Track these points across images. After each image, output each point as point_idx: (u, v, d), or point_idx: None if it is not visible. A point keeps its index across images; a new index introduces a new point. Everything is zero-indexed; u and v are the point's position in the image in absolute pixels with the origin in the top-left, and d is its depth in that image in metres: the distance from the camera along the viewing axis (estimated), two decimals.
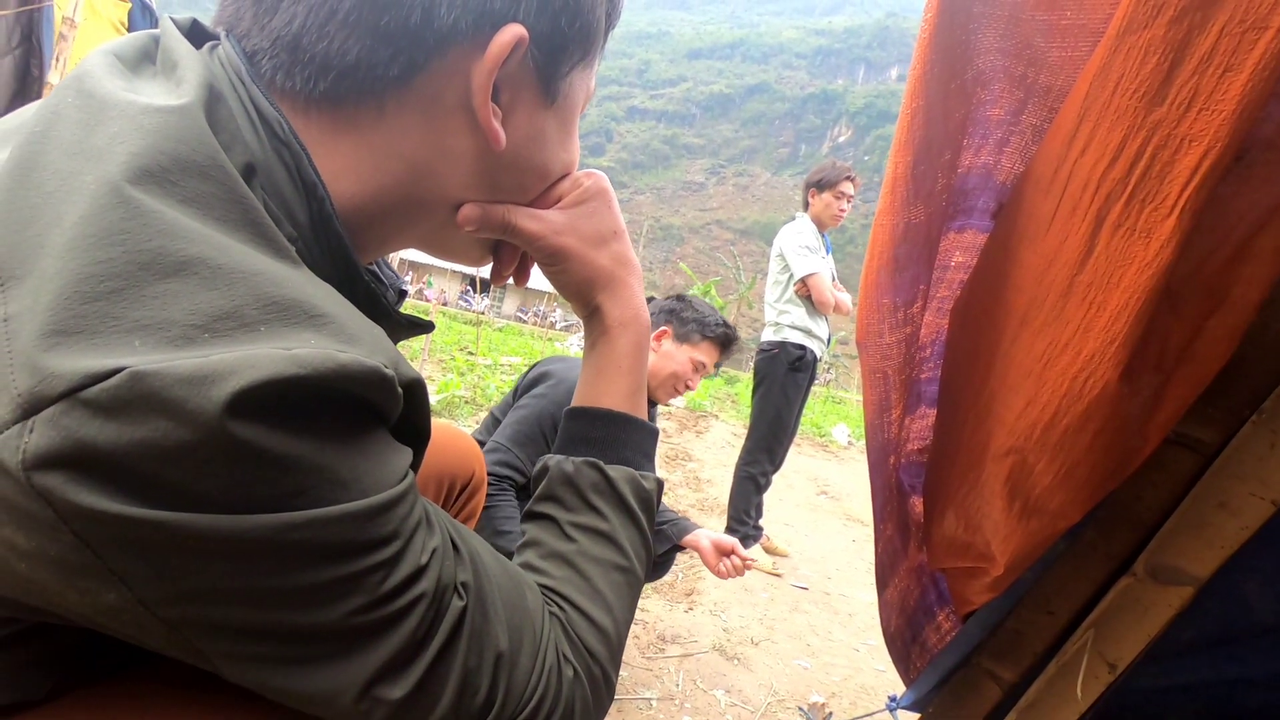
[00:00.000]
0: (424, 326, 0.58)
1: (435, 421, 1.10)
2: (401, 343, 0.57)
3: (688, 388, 1.90)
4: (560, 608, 0.52)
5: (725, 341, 1.93)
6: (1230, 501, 0.70)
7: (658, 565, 1.93)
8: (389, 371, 0.38)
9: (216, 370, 0.31)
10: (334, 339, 0.36)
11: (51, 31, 1.64)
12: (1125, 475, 0.69)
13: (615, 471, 0.57)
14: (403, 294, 0.62)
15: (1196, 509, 0.72)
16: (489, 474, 1.58)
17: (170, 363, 0.31)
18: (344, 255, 0.47)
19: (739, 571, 1.81)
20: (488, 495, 1.58)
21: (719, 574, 1.80)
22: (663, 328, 1.91)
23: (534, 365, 1.85)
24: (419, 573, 0.40)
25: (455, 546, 0.45)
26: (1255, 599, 0.79)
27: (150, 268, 0.33)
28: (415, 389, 0.42)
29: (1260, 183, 0.53)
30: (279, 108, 0.44)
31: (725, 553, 1.81)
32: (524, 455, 1.62)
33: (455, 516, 1.02)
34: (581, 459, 0.58)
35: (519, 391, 1.81)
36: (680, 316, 1.90)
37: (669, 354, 1.87)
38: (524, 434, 1.64)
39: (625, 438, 0.60)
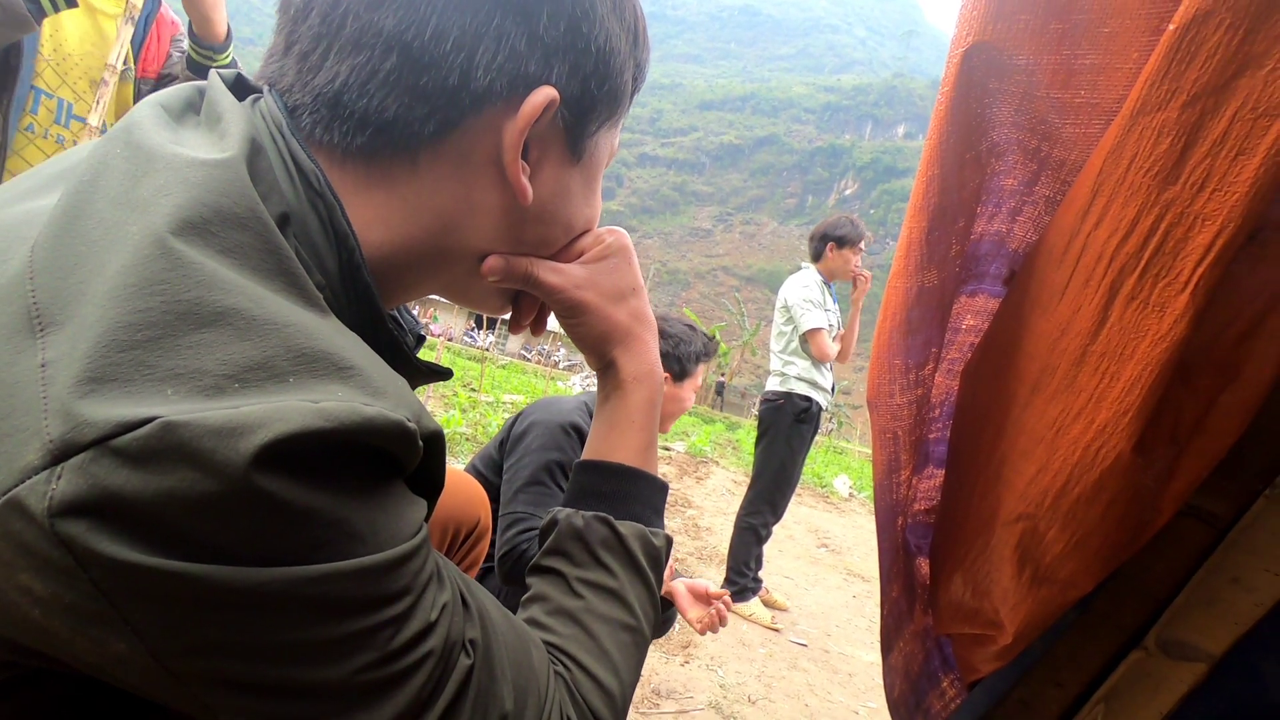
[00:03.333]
0: (442, 374, 0.59)
1: None
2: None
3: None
4: (566, 667, 0.51)
5: (712, 353, 1.97)
6: (1244, 577, 0.69)
7: (661, 623, 1.90)
8: (412, 425, 0.38)
9: (246, 422, 0.32)
10: (360, 391, 0.36)
11: (30, 73, 1.50)
12: (1138, 546, 0.68)
13: (625, 528, 0.57)
14: (420, 339, 0.62)
15: (1209, 583, 0.71)
16: (521, 547, 1.57)
17: (202, 413, 0.31)
18: (370, 303, 0.48)
19: (716, 623, 1.69)
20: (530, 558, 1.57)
21: (696, 626, 1.69)
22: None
23: (516, 417, 1.84)
24: (429, 629, 0.40)
25: (465, 602, 0.45)
26: (1271, 677, 0.77)
27: (187, 318, 0.33)
28: (435, 441, 0.42)
29: (1272, 262, 0.54)
30: (316, 160, 0.46)
31: (701, 598, 1.71)
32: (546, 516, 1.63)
33: (459, 564, 1.00)
34: (592, 514, 0.57)
35: (505, 444, 1.80)
36: (674, 357, 1.90)
37: (673, 396, 1.88)
38: (536, 494, 1.63)
39: (636, 493, 0.59)
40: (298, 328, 0.36)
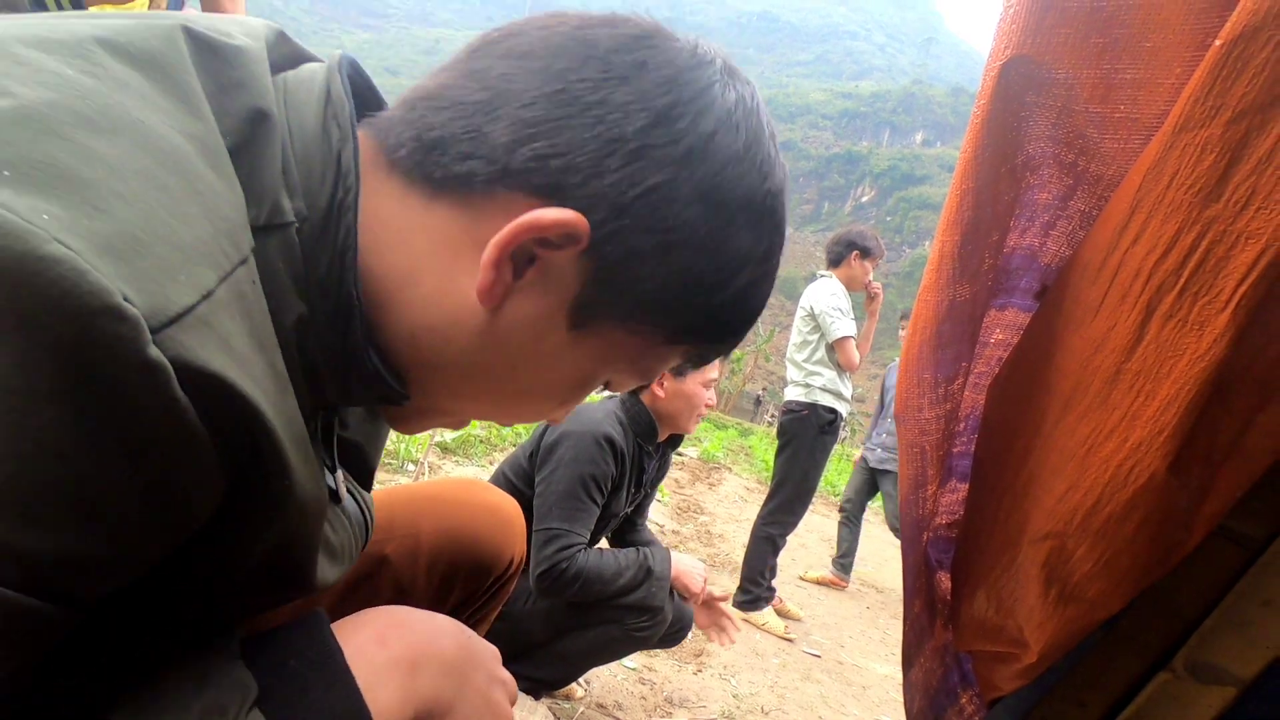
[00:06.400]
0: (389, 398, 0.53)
1: (468, 480, 1.04)
2: None
3: (708, 406, 1.90)
4: None
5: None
6: (1276, 599, 0.68)
7: (675, 633, 1.90)
8: (139, 320, 0.30)
9: None
10: (84, 218, 0.30)
11: None
12: (1169, 567, 0.67)
13: None
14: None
15: (1240, 606, 0.70)
16: (560, 565, 1.59)
17: None
18: (345, 256, 0.45)
19: (726, 636, 1.84)
20: (575, 571, 1.59)
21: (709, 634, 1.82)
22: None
23: (546, 426, 1.83)
24: None
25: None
26: None
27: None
28: (228, 404, 0.35)
29: None
30: (355, 117, 0.46)
31: (710, 605, 1.84)
32: (583, 530, 1.65)
33: (482, 611, 0.94)
34: None
35: (536, 454, 1.79)
36: None
37: (675, 392, 1.85)
38: (572, 508, 1.65)
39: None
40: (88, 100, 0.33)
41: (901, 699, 1.07)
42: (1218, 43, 0.50)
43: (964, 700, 1.02)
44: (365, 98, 0.53)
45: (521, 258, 0.46)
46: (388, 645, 0.52)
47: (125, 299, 0.29)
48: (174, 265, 0.32)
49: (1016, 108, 0.68)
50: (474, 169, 0.45)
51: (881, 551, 6.23)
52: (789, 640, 3.19)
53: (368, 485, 0.71)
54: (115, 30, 0.38)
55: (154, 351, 0.30)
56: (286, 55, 0.49)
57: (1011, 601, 0.79)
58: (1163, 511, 0.62)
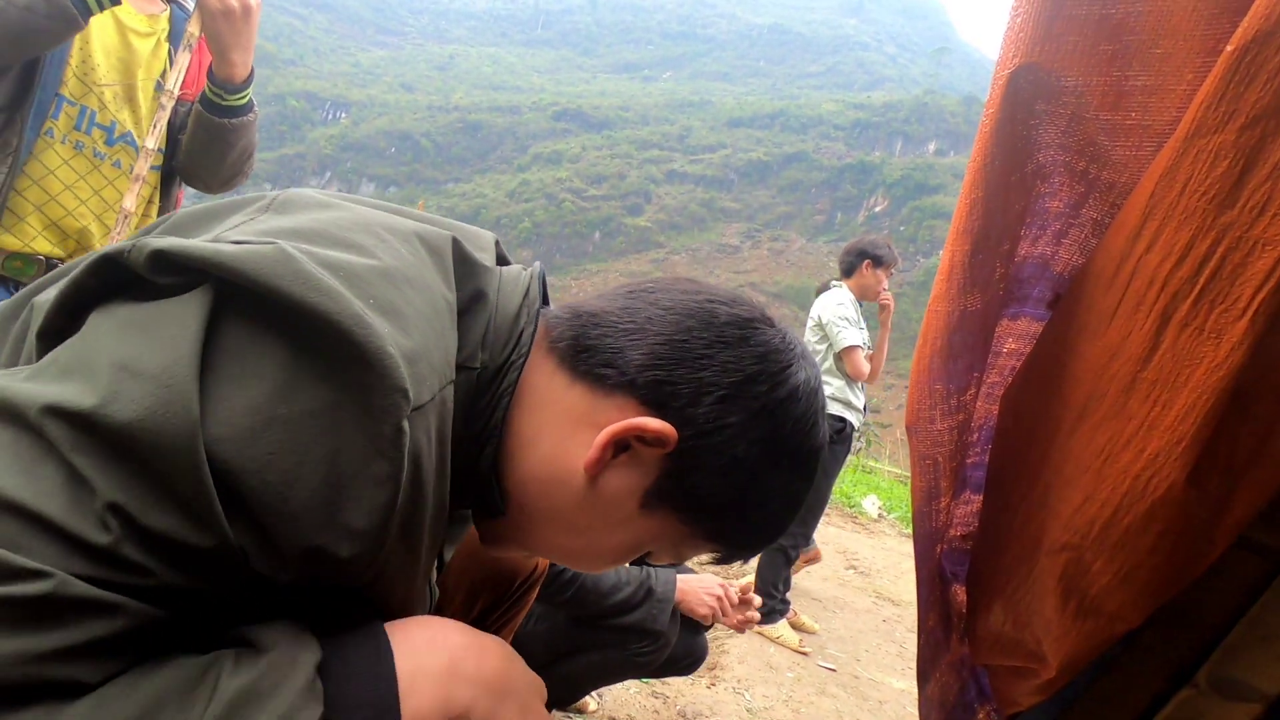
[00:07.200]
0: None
1: None
2: None
3: None
4: None
5: None
6: None
7: (686, 665, 1.87)
8: (408, 388, 0.53)
9: None
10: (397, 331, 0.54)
11: (57, 82, 1.50)
12: (1190, 579, 0.66)
13: None
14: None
15: (1265, 619, 0.69)
16: (563, 576, 1.57)
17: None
18: (492, 409, 0.64)
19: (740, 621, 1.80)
20: (571, 575, 1.58)
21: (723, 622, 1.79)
22: None
23: None
24: None
25: None
26: None
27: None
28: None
29: None
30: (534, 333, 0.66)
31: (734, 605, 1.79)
32: None
33: (504, 616, 0.98)
34: None
35: None
36: None
37: None
38: None
39: None
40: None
41: (918, 714, 1.06)
42: (1230, 48, 0.50)
43: (981, 716, 1.00)
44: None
45: (621, 444, 0.62)
46: (435, 649, 0.59)
47: (408, 386, 0.50)
48: (427, 375, 0.53)
49: (1026, 116, 0.68)
50: (609, 374, 0.63)
51: (898, 564, 6.17)
52: (804, 654, 3.16)
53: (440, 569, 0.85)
54: (422, 231, 0.62)
55: (406, 423, 0.50)
56: (501, 255, 0.73)
57: (1029, 615, 0.77)
58: (1182, 523, 0.61)
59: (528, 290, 0.67)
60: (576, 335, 0.64)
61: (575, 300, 0.70)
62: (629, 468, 0.63)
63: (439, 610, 0.89)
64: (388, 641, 0.56)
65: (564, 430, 0.63)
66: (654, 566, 1.89)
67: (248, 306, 0.48)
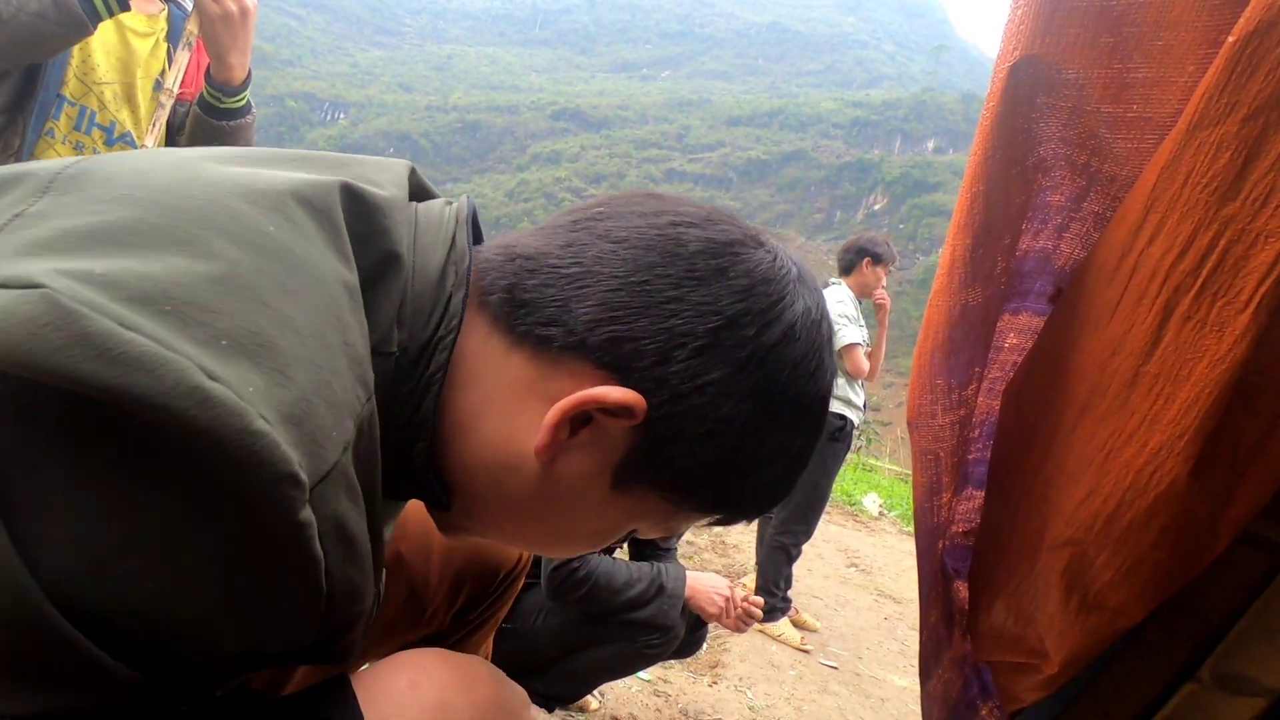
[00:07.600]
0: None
1: None
2: None
3: None
4: None
5: None
6: None
7: (690, 642, 1.88)
8: (302, 479, 0.38)
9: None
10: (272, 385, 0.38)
11: (58, 83, 1.50)
12: (1193, 574, 0.66)
13: None
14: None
15: (1269, 614, 0.68)
16: (572, 564, 1.58)
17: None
18: (422, 391, 0.50)
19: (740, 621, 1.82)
20: (586, 573, 1.59)
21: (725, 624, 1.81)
22: None
23: None
24: None
25: None
26: None
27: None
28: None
29: None
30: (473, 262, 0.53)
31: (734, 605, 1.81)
32: None
33: (487, 610, 0.96)
34: None
35: None
36: None
37: None
38: None
39: None
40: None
41: (920, 711, 1.06)
42: (1231, 39, 0.49)
43: (984, 712, 1.00)
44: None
45: (579, 419, 0.50)
46: (419, 689, 0.54)
47: (299, 465, 0.37)
48: (329, 425, 0.40)
49: (1026, 109, 0.67)
50: (554, 335, 0.49)
51: (899, 562, 6.16)
52: (805, 651, 3.15)
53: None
54: (300, 188, 0.46)
55: (306, 513, 0.38)
56: (416, 187, 0.58)
57: (1031, 610, 0.77)
58: (1185, 518, 0.61)
59: (453, 241, 0.53)
60: (510, 286, 0.51)
61: (511, 237, 0.56)
62: (591, 446, 0.51)
63: (419, 601, 0.85)
64: (356, 706, 0.50)
65: (508, 406, 0.51)
66: (660, 562, 1.90)
67: (15, 396, 0.34)
